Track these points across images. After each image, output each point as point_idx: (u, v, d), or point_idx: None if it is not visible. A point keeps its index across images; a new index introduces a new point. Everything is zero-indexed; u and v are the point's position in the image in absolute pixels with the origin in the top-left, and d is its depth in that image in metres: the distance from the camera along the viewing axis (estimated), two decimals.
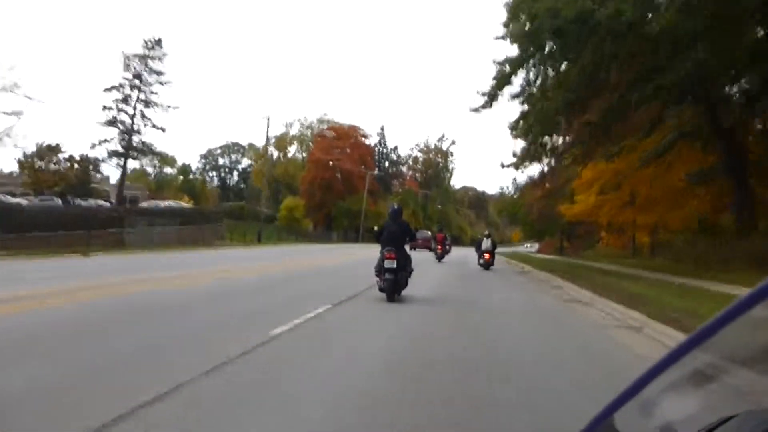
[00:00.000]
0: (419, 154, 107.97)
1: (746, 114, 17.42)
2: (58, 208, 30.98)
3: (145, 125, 47.86)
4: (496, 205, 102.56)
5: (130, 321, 7.38)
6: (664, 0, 14.19)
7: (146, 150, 48.52)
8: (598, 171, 32.50)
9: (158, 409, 3.71)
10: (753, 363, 0.81)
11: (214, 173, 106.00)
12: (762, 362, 0.80)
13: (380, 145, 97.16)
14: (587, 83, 14.92)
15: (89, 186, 53.08)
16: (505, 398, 4.34)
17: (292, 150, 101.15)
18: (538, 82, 18.90)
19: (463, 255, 34.05)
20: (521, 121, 19.05)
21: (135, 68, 46.91)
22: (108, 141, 47.04)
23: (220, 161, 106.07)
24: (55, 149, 54.92)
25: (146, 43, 46.84)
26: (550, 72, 18.53)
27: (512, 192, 71.00)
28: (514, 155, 35.14)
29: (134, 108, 47.11)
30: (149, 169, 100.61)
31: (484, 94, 20.02)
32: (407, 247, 11.19)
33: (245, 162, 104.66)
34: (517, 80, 19.90)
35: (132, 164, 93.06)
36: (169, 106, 47.84)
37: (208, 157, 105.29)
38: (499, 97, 19.79)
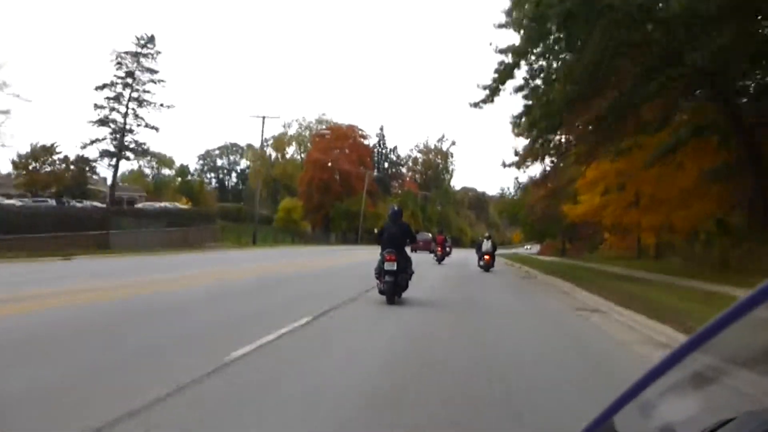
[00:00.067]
0: (419, 155, 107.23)
1: (765, 106, 16.30)
2: (43, 210, 29.87)
3: (138, 125, 46.78)
4: (497, 206, 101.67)
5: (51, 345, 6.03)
6: None
7: (139, 150, 47.32)
8: (601, 171, 31.59)
9: None
10: (753, 364, 0.81)
11: (213, 174, 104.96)
12: (762, 363, 0.80)
13: (379, 145, 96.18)
14: (596, 73, 13.81)
15: (86, 187, 52.18)
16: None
17: (291, 151, 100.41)
18: (543, 74, 17.82)
19: (463, 257, 34.05)
20: (524, 117, 17.92)
21: (127, 66, 45.79)
22: (100, 140, 45.92)
23: (219, 162, 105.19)
24: (49, 150, 54.05)
25: (138, 40, 45.74)
26: (555, 65, 17.47)
27: (514, 192, 69.98)
28: (516, 154, 34.06)
29: (127, 107, 46.01)
30: (147, 171, 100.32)
31: (485, 88, 18.92)
32: (408, 249, 11.03)
33: (244, 163, 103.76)
34: (520, 73, 18.89)
35: (129, 165, 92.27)
36: (162, 105, 46.74)
37: (207, 158, 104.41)
38: (501, 92, 18.73)
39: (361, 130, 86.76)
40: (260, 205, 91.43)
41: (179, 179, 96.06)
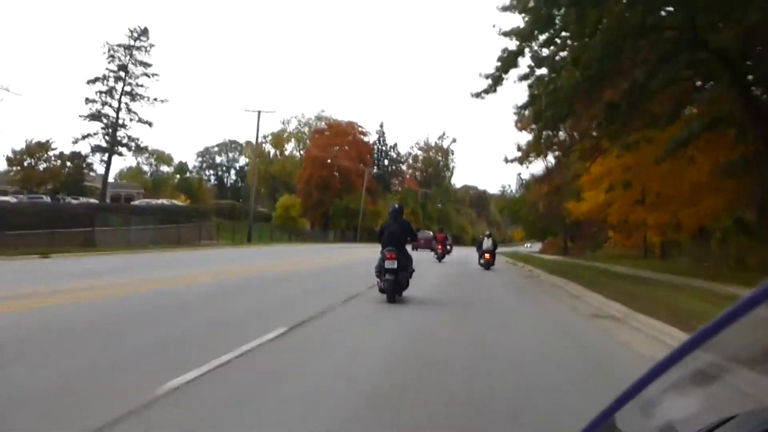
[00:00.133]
0: (419, 152, 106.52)
1: None
2: (29, 207, 28.90)
3: (131, 119, 45.68)
4: (498, 204, 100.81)
5: None
6: None
7: (132, 145, 46.23)
8: (607, 167, 30.71)
9: None
10: (754, 363, 0.82)
11: (212, 172, 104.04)
12: (763, 362, 0.81)
13: (379, 142, 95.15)
14: (609, 57, 12.72)
15: (82, 184, 51.37)
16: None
17: (290, 148, 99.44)
18: (549, 62, 16.68)
19: (464, 255, 33.70)
20: (529, 107, 16.80)
21: (120, 59, 44.66)
22: (92, 135, 44.79)
23: (218, 159, 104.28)
24: (45, 146, 53.29)
25: (132, 32, 44.63)
26: (562, 53, 16.34)
27: (516, 189, 68.98)
28: (519, 149, 32.99)
29: (119, 101, 44.88)
30: (145, 168, 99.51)
31: (487, 77, 17.81)
32: (409, 248, 10.96)
33: (243, 160, 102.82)
34: (524, 62, 17.79)
35: (127, 162, 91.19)
36: (156, 99, 45.67)
37: (205, 155, 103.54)
38: (504, 81, 17.62)
39: (360, 126, 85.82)
40: (259, 202, 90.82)
41: (178, 176, 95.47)
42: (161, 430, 3.34)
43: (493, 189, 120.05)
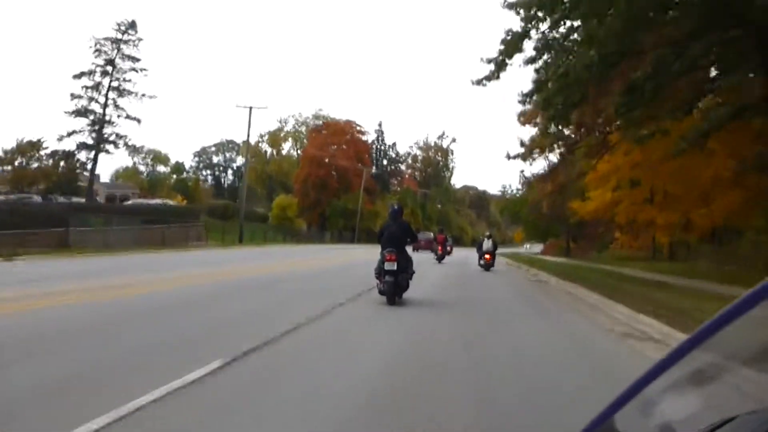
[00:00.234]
0: (418, 152, 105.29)
1: None
2: (3, 206, 27.26)
3: (118, 116, 44.00)
4: (498, 204, 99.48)
5: None
6: None
7: (120, 143, 44.57)
8: (614, 164, 29.29)
9: None
10: (754, 362, 0.81)
11: (209, 172, 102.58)
12: (763, 361, 0.80)
13: (378, 142, 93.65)
14: (630, 32, 11.07)
15: (75, 184, 50.02)
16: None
17: (287, 147, 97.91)
18: (558, 44, 15.05)
19: (464, 256, 33.22)
20: (536, 94, 15.13)
21: (107, 53, 42.99)
22: (78, 132, 43.14)
23: (215, 159, 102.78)
24: (36, 145, 52.09)
25: (119, 26, 42.97)
26: (573, 35, 14.72)
27: (519, 187, 67.30)
28: (522, 144, 31.37)
29: (106, 97, 43.23)
30: (142, 168, 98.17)
31: (489, 62, 16.20)
32: (409, 249, 10.83)
33: (240, 160, 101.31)
34: (530, 48, 16.18)
35: (120, 162, 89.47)
36: (144, 95, 43.95)
37: (202, 155, 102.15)
38: (508, 67, 16.01)
39: (358, 125, 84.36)
40: (257, 203, 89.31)
41: (174, 177, 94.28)
42: None
43: (493, 189, 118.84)
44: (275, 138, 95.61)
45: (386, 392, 4.40)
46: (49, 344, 5.64)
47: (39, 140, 49.52)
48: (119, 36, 43.07)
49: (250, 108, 42.70)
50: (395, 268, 9.60)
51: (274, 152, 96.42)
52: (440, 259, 26.88)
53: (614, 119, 23.41)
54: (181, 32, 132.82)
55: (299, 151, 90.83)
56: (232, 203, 61.69)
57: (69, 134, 43.01)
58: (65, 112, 42.83)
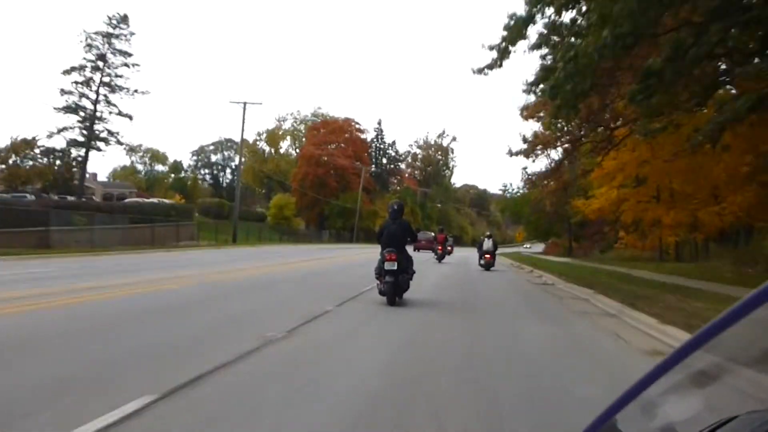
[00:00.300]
0: (418, 151, 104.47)
1: None
2: None
3: (110, 112, 42.82)
4: (499, 204, 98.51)
5: None
6: None
7: (111, 140, 43.38)
8: (620, 161, 28.23)
9: None
10: (755, 363, 0.80)
11: (207, 171, 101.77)
12: (764, 363, 0.80)
13: (377, 140, 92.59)
14: (648, 9, 9.93)
15: (70, 182, 49.02)
16: None
17: (285, 146, 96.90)
18: (566, 32, 13.89)
19: (464, 256, 32.78)
20: (542, 82, 13.97)
21: (98, 48, 41.81)
22: (68, 129, 41.96)
23: (213, 158, 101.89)
24: (30, 143, 51.07)
25: (110, 19, 41.78)
26: (581, 20, 13.57)
27: (521, 184, 66.18)
28: (525, 140, 30.21)
29: (97, 92, 42.04)
30: (140, 167, 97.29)
31: (491, 49, 15.03)
32: (410, 249, 10.83)
33: (238, 159, 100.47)
34: (534, 36, 15.03)
35: (121, 161, 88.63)
36: (137, 91, 42.79)
37: (201, 154, 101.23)
38: (511, 54, 14.85)
39: (357, 123, 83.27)
40: (255, 202, 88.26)
41: (173, 176, 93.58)
42: None
43: (494, 189, 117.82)
44: (273, 136, 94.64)
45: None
46: None
47: (34, 138, 48.48)
48: (110, 30, 41.90)
49: (244, 104, 41.65)
50: (395, 268, 9.43)
51: (272, 151, 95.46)
52: (440, 258, 27.02)
53: (621, 113, 22.30)
54: (181, 30, 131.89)
55: (297, 150, 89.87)
56: (227, 202, 60.59)
57: (59, 131, 41.82)
58: (55, 109, 41.65)
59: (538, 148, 28.71)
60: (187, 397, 3.95)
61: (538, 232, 66.33)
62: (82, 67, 41.51)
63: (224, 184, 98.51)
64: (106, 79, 42.21)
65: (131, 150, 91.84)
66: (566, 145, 29.02)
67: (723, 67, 16.49)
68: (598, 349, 6.55)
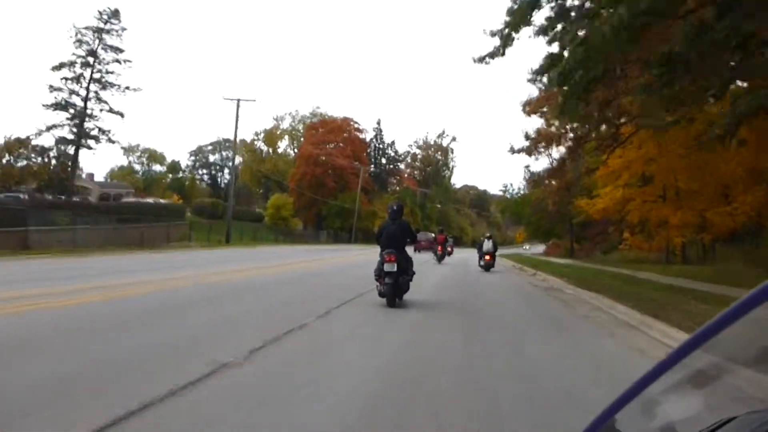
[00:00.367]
0: (418, 151, 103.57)
1: None
2: None
3: (101, 109, 41.73)
4: (499, 205, 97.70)
5: None
6: None
7: (102, 138, 42.25)
8: (626, 159, 27.31)
9: None
10: (755, 363, 0.81)
11: (205, 171, 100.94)
12: (764, 362, 0.80)
13: (376, 140, 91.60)
14: None
15: (66, 182, 48.11)
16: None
17: (283, 145, 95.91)
18: (576, 14, 12.81)
19: (464, 257, 32.68)
20: (551, 69, 12.87)
21: (88, 43, 40.73)
22: (57, 127, 40.88)
23: (211, 158, 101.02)
24: (24, 142, 50.15)
25: (101, 14, 40.72)
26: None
27: (523, 183, 65.16)
28: (527, 137, 29.24)
29: (87, 89, 40.94)
30: (137, 167, 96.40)
31: (493, 35, 13.99)
32: (411, 249, 10.73)
33: (236, 159, 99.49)
34: (539, 21, 13.94)
35: (118, 161, 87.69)
36: (128, 88, 41.68)
37: (198, 153, 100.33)
38: (515, 41, 13.79)
39: (356, 123, 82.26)
40: (252, 202, 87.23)
41: (170, 175, 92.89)
42: None
43: (494, 190, 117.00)
44: (271, 136, 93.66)
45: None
46: None
47: (28, 137, 47.53)
48: (101, 25, 40.83)
49: (238, 101, 40.58)
50: (395, 269, 9.33)
51: (270, 151, 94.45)
52: (440, 259, 27.08)
53: (628, 110, 21.23)
54: (179, 29, 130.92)
55: (296, 150, 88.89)
56: (222, 202, 59.62)
57: (48, 128, 40.73)
58: (44, 105, 40.56)
59: (541, 145, 27.78)
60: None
61: (538, 233, 65.33)
62: (71, 63, 40.46)
63: (222, 185, 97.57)
64: (97, 76, 41.17)
65: (129, 150, 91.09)
66: (569, 143, 28.06)
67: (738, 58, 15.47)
68: (625, 376, 5.38)
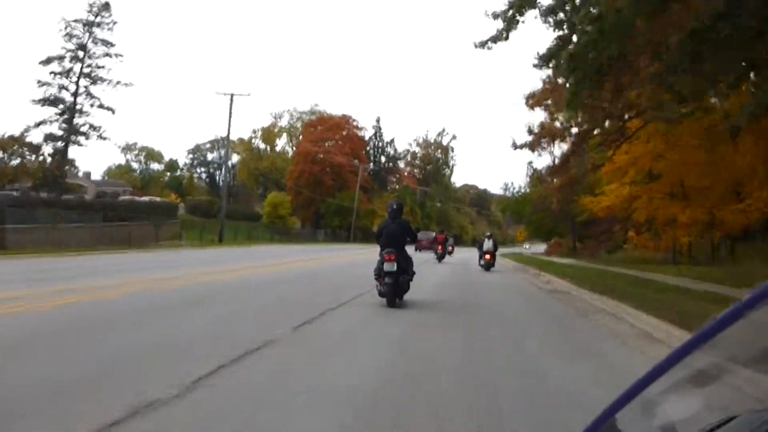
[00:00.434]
0: (417, 149, 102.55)
1: None
2: None
3: (91, 105, 40.68)
4: (500, 203, 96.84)
5: None
6: None
7: (93, 134, 41.24)
8: (632, 155, 26.37)
9: None
10: (755, 363, 0.81)
11: (203, 169, 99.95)
12: (764, 362, 0.80)
13: (376, 138, 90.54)
14: None
15: (61, 180, 47.19)
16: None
17: (281, 143, 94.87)
18: None
19: (464, 256, 32.73)
20: (560, 53, 11.78)
21: (78, 37, 39.68)
22: (46, 123, 39.84)
23: (209, 157, 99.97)
24: (18, 140, 49.16)
25: (91, 7, 39.65)
26: None
27: (526, 180, 64.09)
28: (530, 132, 28.19)
29: (77, 84, 39.89)
30: (135, 165, 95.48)
31: (496, 17, 12.92)
32: (411, 249, 10.69)
33: (235, 157, 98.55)
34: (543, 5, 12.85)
35: (116, 159, 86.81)
36: (119, 83, 40.67)
37: (196, 152, 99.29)
38: (519, 24, 12.73)
39: (355, 120, 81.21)
40: (250, 200, 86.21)
41: (168, 174, 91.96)
42: None
43: (494, 188, 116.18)
44: (269, 134, 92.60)
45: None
46: None
47: (22, 134, 46.58)
48: (92, 18, 39.77)
49: (231, 95, 39.61)
50: (395, 269, 9.29)
51: (268, 148, 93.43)
52: (440, 258, 27.06)
53: (635, 103, 20.16)
54: (177, 26, 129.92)
55: (294, 148, 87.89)
56: (218, 200, 58.64)
57: (36, 124, 39.70)
58: (32, 101, 39.51)
59: (544, 140, 26.78)
60: None
61: (540, 232, 64.33)
62: (61, 57, 39.43)
63: (220, 183, 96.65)
64: (87, 70, 40.13)
65: (126, 148, 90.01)
66: (573, 139, 27.08)
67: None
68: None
